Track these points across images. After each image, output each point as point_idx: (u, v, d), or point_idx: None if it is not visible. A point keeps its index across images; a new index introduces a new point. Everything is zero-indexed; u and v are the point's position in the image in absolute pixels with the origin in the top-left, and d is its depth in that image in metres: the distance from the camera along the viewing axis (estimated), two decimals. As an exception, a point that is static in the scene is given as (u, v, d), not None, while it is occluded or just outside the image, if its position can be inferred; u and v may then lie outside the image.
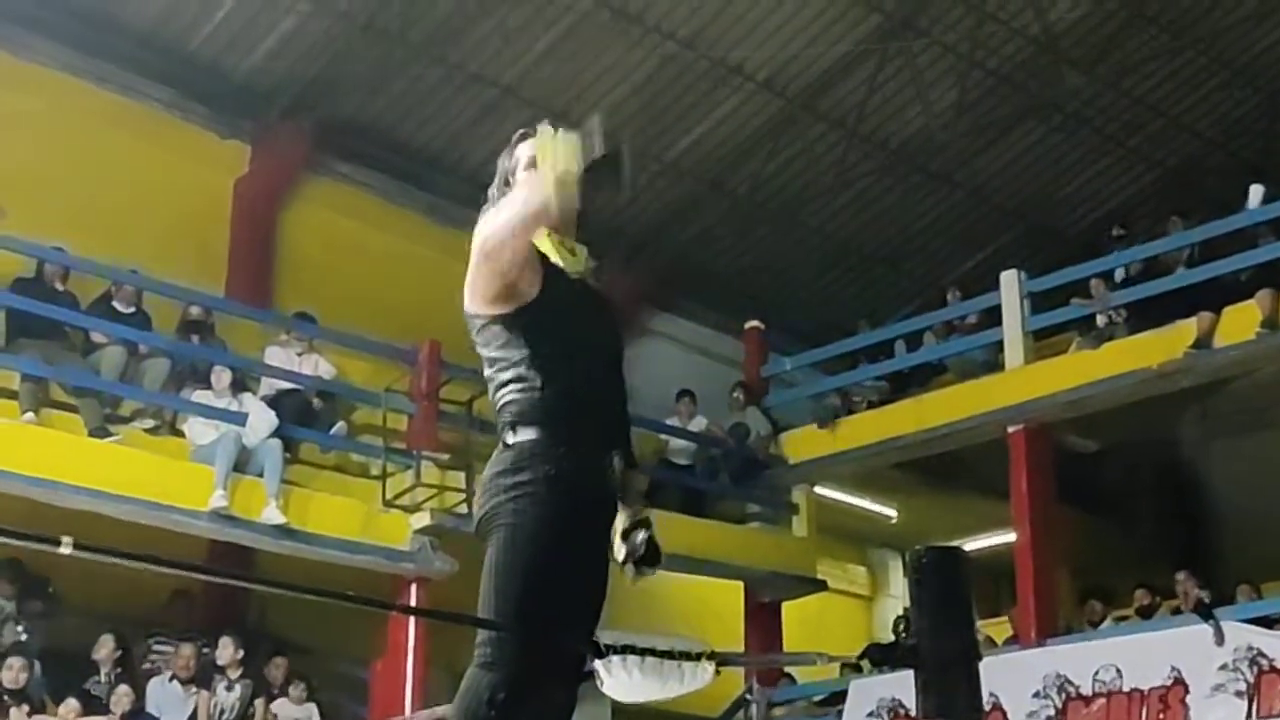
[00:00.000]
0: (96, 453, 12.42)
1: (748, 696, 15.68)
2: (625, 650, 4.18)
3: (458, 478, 13.79)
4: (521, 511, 4.12)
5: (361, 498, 13.86)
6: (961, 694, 4.14)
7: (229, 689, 12.94)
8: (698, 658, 4.25)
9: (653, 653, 4.22)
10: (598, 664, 4.16)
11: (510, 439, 4.22)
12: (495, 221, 4.17)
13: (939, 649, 4.14)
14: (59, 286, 13.25)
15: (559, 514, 4.12)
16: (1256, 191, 14.80)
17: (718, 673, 4.30)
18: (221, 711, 12.82)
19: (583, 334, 4.33)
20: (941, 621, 4.19)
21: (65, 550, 3.41)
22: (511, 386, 4.25)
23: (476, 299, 4.28)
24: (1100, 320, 15.18)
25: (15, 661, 11.93)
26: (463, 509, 13.38)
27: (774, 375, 17.63)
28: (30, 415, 12.43)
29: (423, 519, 13.61)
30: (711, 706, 15.34)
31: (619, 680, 4.20)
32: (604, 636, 4.16)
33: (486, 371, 4.33)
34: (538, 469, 4.14)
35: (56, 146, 14.47)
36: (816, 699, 15.92)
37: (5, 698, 11.76)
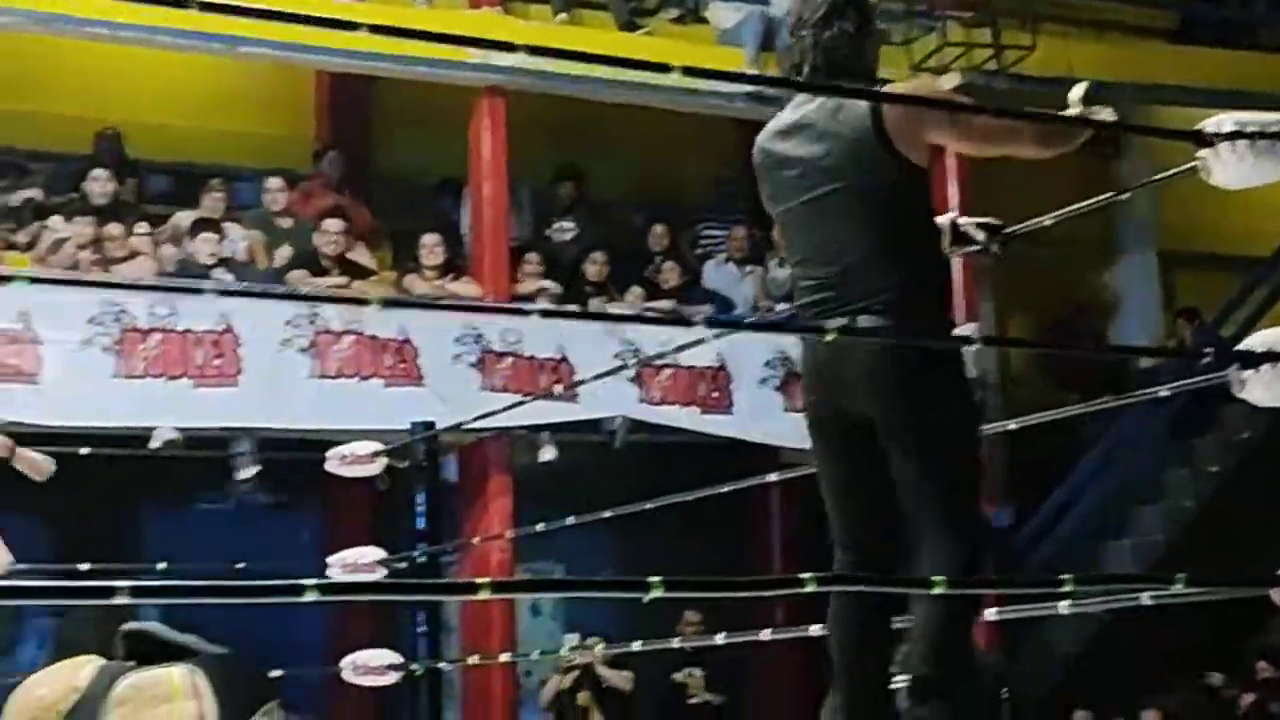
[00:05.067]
0: (627, 45, 12.62)
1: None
2: (1233, 136, 3.93)
3: (984, 34, 13.46)
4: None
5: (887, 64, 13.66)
6: None
7: (780, 265, 13.09)
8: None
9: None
10: (1203, 152, 3.92)
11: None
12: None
13: None
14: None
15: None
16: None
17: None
18: (777, 286, 13.06)
19: None
20: None
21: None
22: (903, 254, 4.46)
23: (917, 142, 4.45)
24: None
25: (599, 255, 12.67)
26: (992, 65, 13.16)
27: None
28: (563, 16, 12.83)
29: (953, 79, 13.37)
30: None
31: (1228, 167, 3.97)
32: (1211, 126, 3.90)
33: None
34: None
35: None
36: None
37: (588, 288, 12.48)
